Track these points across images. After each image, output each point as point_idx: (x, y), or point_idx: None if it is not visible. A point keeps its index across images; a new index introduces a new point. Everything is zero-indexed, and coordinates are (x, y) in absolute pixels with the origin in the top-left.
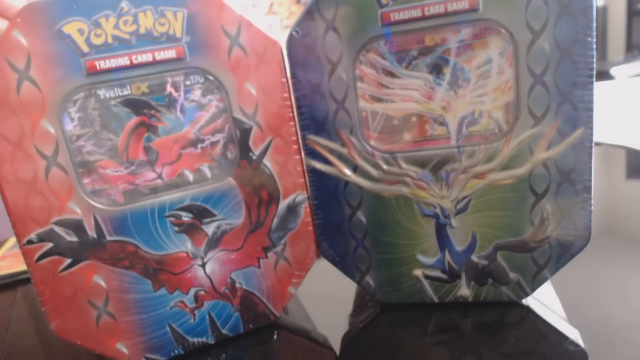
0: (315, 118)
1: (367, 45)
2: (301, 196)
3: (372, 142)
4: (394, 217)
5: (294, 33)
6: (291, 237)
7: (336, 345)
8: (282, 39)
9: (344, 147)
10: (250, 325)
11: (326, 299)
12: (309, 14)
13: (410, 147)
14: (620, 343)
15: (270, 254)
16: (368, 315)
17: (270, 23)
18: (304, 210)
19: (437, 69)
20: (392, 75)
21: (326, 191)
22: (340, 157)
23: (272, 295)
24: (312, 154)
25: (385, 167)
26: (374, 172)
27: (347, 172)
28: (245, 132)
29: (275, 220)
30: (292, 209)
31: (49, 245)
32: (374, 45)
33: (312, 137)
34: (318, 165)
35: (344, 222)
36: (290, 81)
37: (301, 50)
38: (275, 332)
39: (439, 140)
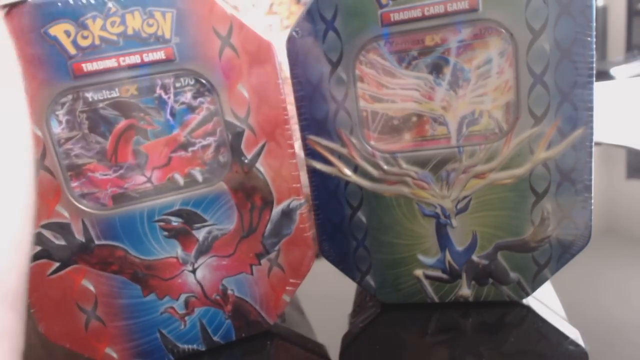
0: (315, 118)
1: (367, 46)
2: (296, 202)
3: (372, 142)
4: (395, 217)
5: (294, 33)
6: (286, 243)
7: (336, 346)
8: (282, 39)
9: (344, 147)
10: (243, 334)
11: (326, 299)
12: (309, 14)
13: (411, 147)
14: (620, 343)
15: (263, 261)
16: (368, 315)
17: (270, 23)
18: (300, 217)
19: (437, 69)
20: (392, 75)
21: (326, 191)
22: (340, 157)
23: (266, 303)
24: (313, 154)
25: (385, 167)
26: (374, 172)
27: (348, 172)
28: (237, 136)
29: (269, 226)
30: (287, 214)
31: (37, 248)
32: (374, 45)
33: (312, 137)
34: (318, 165)
35: (344, 222)
36: (286, 83)
37: (301, 50)
38: (270, 340)
39: (439, 140)
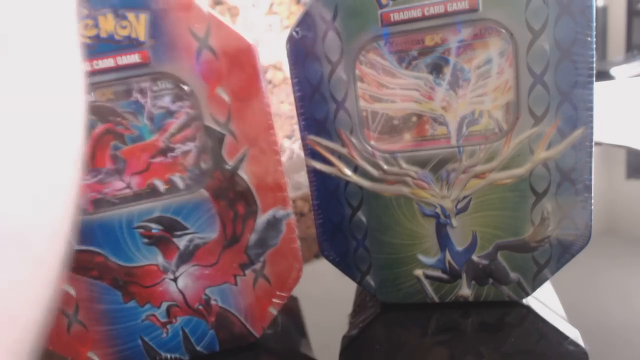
0: (315, 118)
1: (367, 46)
2: (282, 211)
3: (372, 142)
4: (395, 217)
5: (294, 33)
6: (271, 254)
7: (336, 346)
8: (282, 39)
9: (344, 147)
10: (228, 345)
11: (326, 299)
12: (309, 14)
13: (411, 147)
14: (620, 343)
15: (248, 272)
16: (368, 315)
17: (270, 23)
18: (287, 227)
19: (437, 69)
20: (392, 75)
21: (326, 191)
22: (340, 157)
23: (251, 314)
24: (313, 154)
25: (385, 167)
26: (374, 172)
27: (348, 172)
28: (218, 141)
29: (253, 236)
30: (272, 224)
31: None
32: (374, 45)
33: (312, 137)
34: (318, 165)
35: (344, 222)
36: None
37: (301, 50)
38: (256, 353)
39: (439, 140)
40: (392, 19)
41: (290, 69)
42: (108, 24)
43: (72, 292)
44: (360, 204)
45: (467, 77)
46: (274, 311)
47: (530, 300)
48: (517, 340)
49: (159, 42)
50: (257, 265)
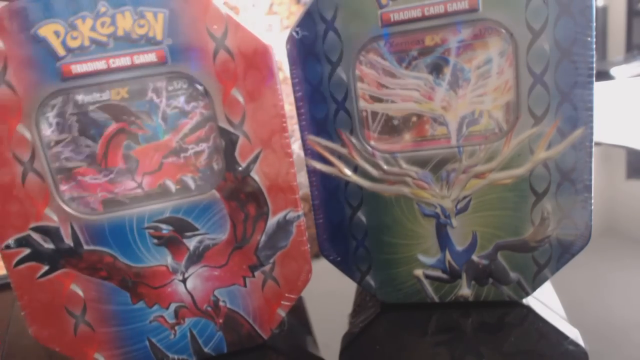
0: (315, 118)
1: (367, 46)
2: (293, 213)
3: (372, 142)
4: (395, 217)
5: (294, 33)
6: (281, 256)
7: (336, 346)
8: (282, 39)
9: (344, 148)
10: (236, 347)
11: (326, 298)
12: (308, 14)
13: (411, 147)
14: (620, 342)
15: (257, 273)
16: (368, 315)
17: (270, 23)
18: (297, 229)
19: (437, 69)
20: (392, 75)
21: (326, 191)
22: (340, 157)
23: (259, 316)
24: (313, 154)
25: (385, 167)
26: (374, 172)
27: (348, 172)
28: (232, 143)
29: (263, 238)
30: (283, 226)
31: (27, 251)
32: (374, 45)
33: (312, 137)
34: (318, 165)
35: (344, 223)
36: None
37: (301, 50)
38: (264, 354)
39: (439, 140)
40: (392, 19)
41: (290, 69)
42: (126, 22)
43: (80, 292)
44: (360, 204)
45: (467, 77)
46: (282, 313)
47: (530, 300)
48: (517, 340)
49: (176, 42)
50: (267, 267)
